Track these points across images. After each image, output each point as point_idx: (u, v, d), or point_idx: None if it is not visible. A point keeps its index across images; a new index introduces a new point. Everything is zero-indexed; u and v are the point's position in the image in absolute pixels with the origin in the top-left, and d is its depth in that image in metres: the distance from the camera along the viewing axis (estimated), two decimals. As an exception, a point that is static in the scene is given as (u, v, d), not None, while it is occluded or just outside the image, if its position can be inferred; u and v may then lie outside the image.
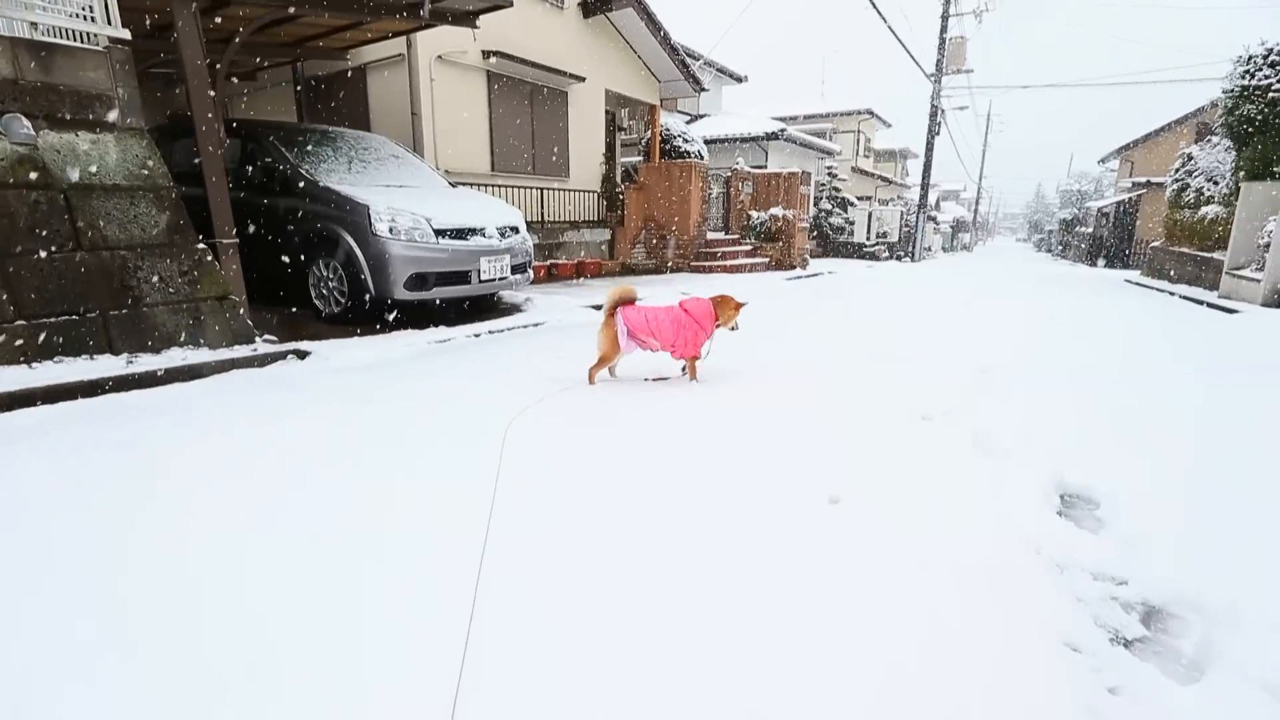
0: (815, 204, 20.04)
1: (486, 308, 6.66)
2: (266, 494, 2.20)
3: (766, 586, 1.70)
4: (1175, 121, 21.81)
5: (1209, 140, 13.14)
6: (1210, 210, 12.09)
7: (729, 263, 12.37)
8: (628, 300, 3.73)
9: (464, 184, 7.60)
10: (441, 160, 8.56)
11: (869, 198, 25.87)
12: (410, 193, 5.74)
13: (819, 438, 2.88)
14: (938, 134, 20.26)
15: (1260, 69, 9.11)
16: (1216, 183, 12.27)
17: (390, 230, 5.14)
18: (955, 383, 3.88)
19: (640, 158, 13.24)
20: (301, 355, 4.33)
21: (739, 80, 21.12)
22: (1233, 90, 9.43)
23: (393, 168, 6.28)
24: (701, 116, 19.15)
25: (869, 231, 21.86)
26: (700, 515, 2.10)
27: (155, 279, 3.96)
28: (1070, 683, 1.38)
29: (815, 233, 19.80)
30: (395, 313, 5.46)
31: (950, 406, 3.35)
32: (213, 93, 4.38)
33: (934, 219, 30.24)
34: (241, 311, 4.41)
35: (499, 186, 9.21)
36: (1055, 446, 2.80)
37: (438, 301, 5.71)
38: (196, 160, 4.37)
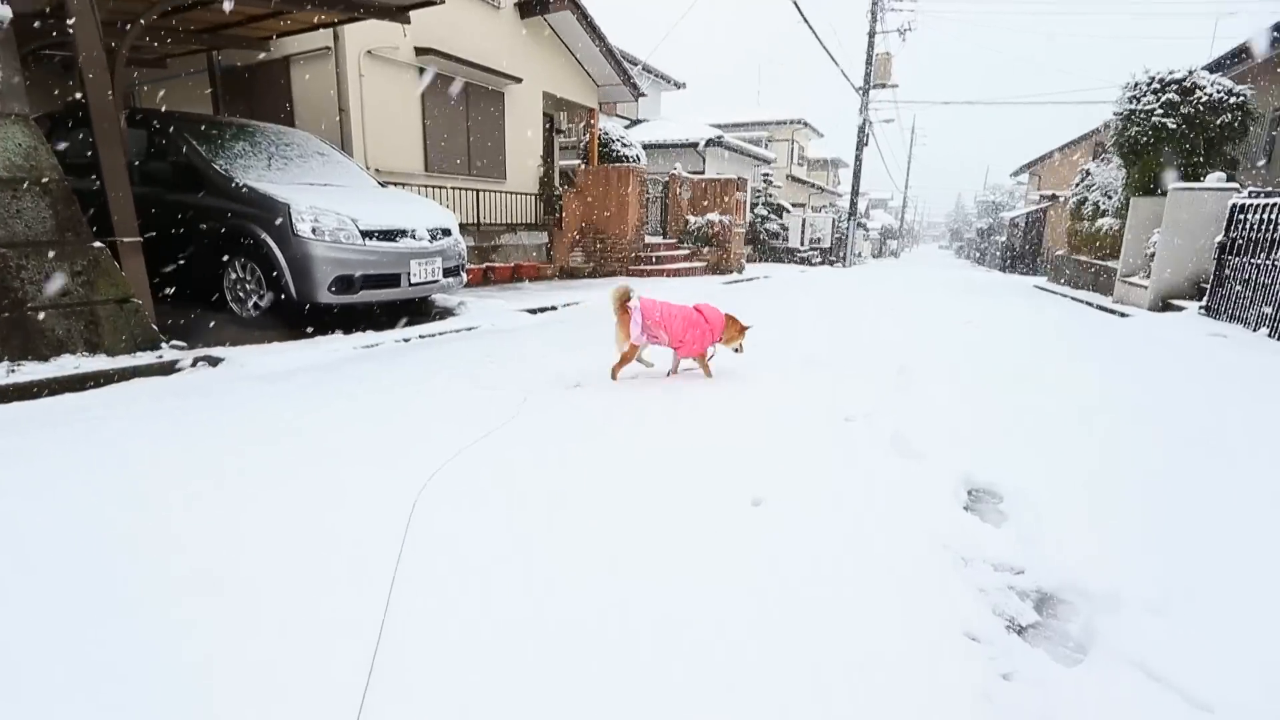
0: (751, 209, 20.55)
1: (418, 311, 6.47)
2: (149, 528, 2.03)
3: (682, 596, 1.72)
4: (1077, 140, 23.55)
5: (1104, 158, 14.27)
6: (1105, 222, 13.13)
7: (667, 266, 12.51)
8: (628, 297, 3.81)
9: (397, 184, 7.37)
10: (372, 159, 8.27)
11: (803, 205, 26.78)
12: (336, 192, 5.52)
13: (746, 442, 2.95)
14: (866, 145, 21.20)
15: (1144, 95, 9.97)
16: (1110, 197, 13.33)
17: (313, 231, 4.92)
18: (877, 384, 4.06)
19: (579, 161, 13.21)
20: (214, 362, 4.08)
21: (678, 86, 21.41)
22: (1122, 114, 10.27)
23: (317, 166, 6.02)
24: (640, 121, 19.30)
25: (803, 237, 22.62)
26: (622, 526, 2.11)
27: (41, 280, 3.64)
28: (968, 671, 1.47)
29: (752, 238, 20.29)
30: (319, 316, 5.22)
31: (871, 408, 3.50)
32: (112, 78, 4.07)
33: (864, 226, 31.56)
34: (145, 315, 4.12)
35: (433, 188, 8.98)
36: (966, 444, 2.96)
37: (361, 305, 5.51)
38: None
